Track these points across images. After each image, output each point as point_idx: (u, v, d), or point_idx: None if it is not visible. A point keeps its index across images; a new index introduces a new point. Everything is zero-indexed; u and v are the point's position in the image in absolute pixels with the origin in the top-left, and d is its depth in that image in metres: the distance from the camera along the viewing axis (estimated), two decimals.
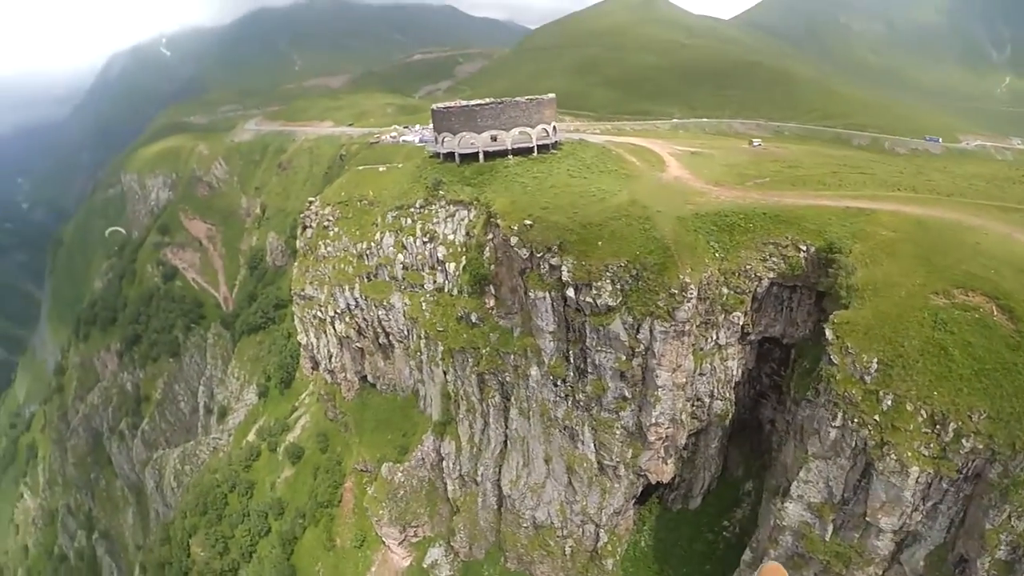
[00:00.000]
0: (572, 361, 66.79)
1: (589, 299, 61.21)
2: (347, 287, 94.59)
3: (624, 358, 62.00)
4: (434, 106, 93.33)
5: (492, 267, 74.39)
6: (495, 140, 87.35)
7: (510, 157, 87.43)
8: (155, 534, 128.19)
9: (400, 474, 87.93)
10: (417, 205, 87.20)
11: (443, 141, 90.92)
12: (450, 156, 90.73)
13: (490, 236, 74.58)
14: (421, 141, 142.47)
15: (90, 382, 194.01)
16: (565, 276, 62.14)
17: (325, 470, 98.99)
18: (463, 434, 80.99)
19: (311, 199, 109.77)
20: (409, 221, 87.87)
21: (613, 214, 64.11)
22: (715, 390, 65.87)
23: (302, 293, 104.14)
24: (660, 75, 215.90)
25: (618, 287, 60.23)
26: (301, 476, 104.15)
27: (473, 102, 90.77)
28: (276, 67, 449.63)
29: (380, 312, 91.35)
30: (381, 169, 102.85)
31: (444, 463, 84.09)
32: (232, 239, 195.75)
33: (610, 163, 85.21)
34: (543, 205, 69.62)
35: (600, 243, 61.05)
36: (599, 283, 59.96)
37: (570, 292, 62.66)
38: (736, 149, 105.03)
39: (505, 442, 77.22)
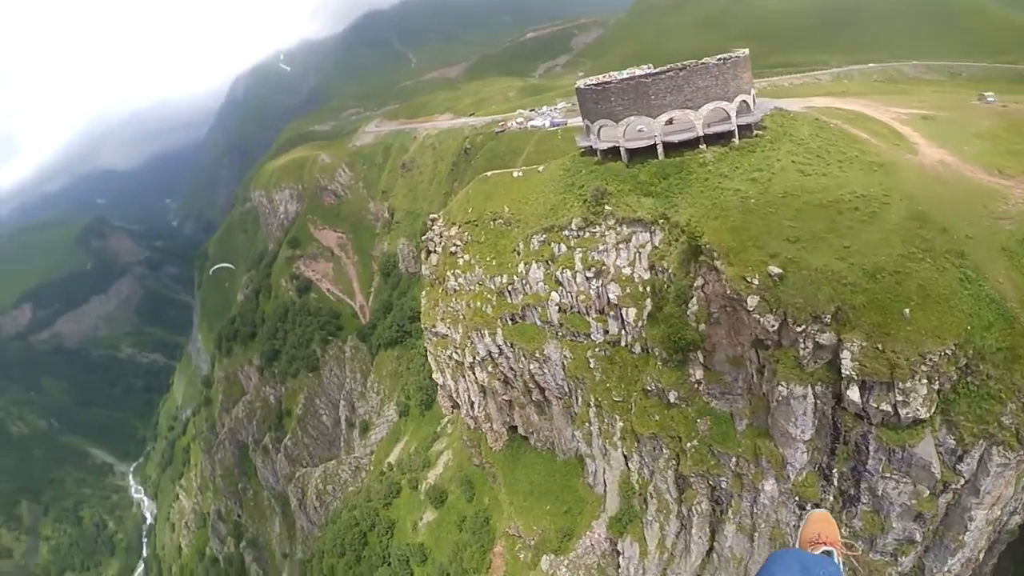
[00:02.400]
0: (834, 482, 48.11)
1: (886, 406, 41.08)
2: (487, 332, 78.11)
3: (927, 493, 42.84)
4: (580, 83, 70.27)
5: (702, 326, 53.29)
6: (672, 124, 63.52)
7: (703, 147, 62.53)
8: (296, 571, 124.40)
9: (564, 569, 73.32)
10: (573, 226, 67.81)
11: (599, 131, 67.52)
12: (612, 152, 67.70)
13: (698, 281, 53.38)
14: (552, 125, 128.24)
15: (235, 395, 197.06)
16: (847, 367, 41.72)
17: (471, 528, 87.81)
18: (651, 537, 63.72)
19: (432, 216, 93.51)
20: (563, 248, 69.11)
21: (903, 248, 43.19)
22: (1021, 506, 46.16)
23: (433, 330, 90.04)
24: (799, 20, 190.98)
25: (934, 388, 39.68)
26: (444, 524, 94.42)
27: (639, 72, 66.60)
28: (392, 66, 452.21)
29: (532, 365, 75.16)
30: (516, 175, 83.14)
31: (623, 566, 67.30)
32: (364, 246, 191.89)
33: (841, 144, 59.16)
34: (789, 234, 47.18)
35: (907, 310, 39.33)
36: (907, 383, 39.23)
37: (853, 392, 42.63)
38: (967, 107, 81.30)
39: (710, 552, 59.29)
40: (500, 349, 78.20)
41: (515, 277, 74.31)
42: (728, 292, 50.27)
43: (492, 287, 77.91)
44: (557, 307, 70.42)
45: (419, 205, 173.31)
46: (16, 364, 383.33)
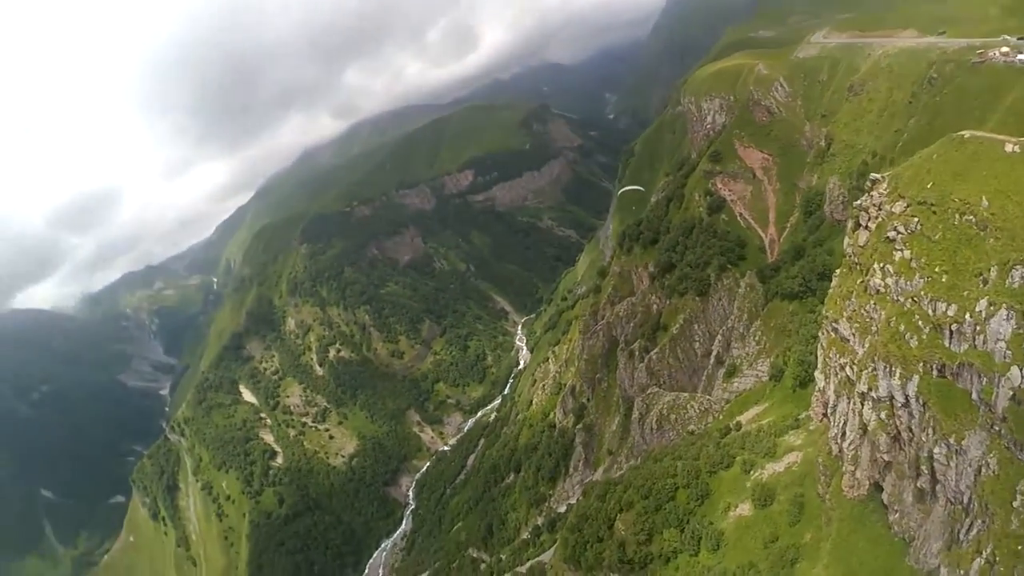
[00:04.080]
0: None
1: None
2: (899, 372, 55.48)
3: None
4: None
5: None
6: None
7: None
8: (597, 488, 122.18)
9: None
10: None
11: None
12: None
13: None
14: None
15: (623, 293, 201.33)
16: None
17: (774, 559, 71.84)
18: None
19: (874, 177, 67.58)
20: None
21: None
22: None
23: (834, 325, 70.13)
24: None
25: None
26: (754, 531, 78.99)
27: None
28: None
29: (938, 447, 51.92)
30: (1010, 149, 54.91)
31: None
32: (789, 173, 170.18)
33: None
34: None
35: None
36: None
37: None
38: None
39: None
40: (906, 401, 55.87)
41: (967, 315, 50.69)
42: None
43: (929, 313, 53.87)
44: (1012, 392, 46.22)
45: (862, 139, 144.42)
46: (453, 216, 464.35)
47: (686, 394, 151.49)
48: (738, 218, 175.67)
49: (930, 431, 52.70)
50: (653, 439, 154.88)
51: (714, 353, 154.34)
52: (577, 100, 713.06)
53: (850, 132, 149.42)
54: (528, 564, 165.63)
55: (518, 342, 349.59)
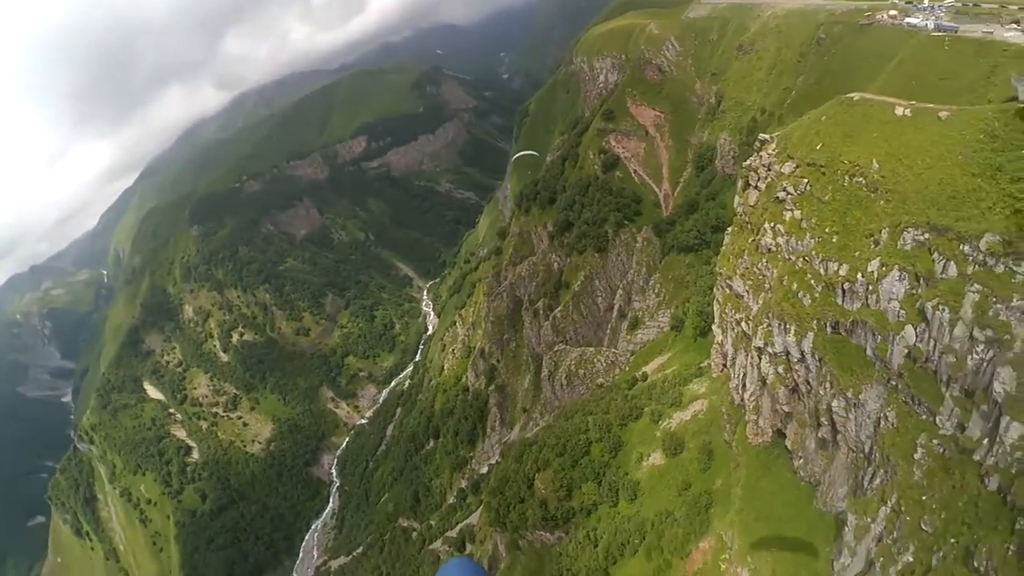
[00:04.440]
0: None
1: None
2: (793, 329, 58.20)
3: None
4: None
5: None
6: None
7: None
8: (514, 450, 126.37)
9: None
10: (983, 245, 42.67)
11: None
12: None
13: None
14: (938, 29, 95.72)
15: (524, 253, 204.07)
16: None
17: (689, 504, 77.30)
18: None
19: (763, 137, 69.72)
20: (952, 270, 44.65)
21: None
22: None
23: (728, 282, 73.57)
24: None
25: None
26: (667, 478, 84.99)
27: None
28: None
29: (836, 400, 55.42)
30: (900, 112, 56.15)
31: None
32: (681, 130, 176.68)
33: None
34: None
35: None
36: None
37: None
38: None
39: None
40: (802, 357, 59.02)
41: (859, 275, 52.16)
42: None
43: (820, 272, 56.41)
44: (907, 350, 48.00)
45: (752, 97, 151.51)
46: (348, 185, 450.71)
47: (592, 348, 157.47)
48: (632, 175, 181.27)
49: (828, 385, 55.98)
50: (564, 394, 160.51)
51: (616, 307, 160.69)
52: (472, 61, 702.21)
53: (740, 90, 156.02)
54: (458, 528, 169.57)
55: (425, 308, 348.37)
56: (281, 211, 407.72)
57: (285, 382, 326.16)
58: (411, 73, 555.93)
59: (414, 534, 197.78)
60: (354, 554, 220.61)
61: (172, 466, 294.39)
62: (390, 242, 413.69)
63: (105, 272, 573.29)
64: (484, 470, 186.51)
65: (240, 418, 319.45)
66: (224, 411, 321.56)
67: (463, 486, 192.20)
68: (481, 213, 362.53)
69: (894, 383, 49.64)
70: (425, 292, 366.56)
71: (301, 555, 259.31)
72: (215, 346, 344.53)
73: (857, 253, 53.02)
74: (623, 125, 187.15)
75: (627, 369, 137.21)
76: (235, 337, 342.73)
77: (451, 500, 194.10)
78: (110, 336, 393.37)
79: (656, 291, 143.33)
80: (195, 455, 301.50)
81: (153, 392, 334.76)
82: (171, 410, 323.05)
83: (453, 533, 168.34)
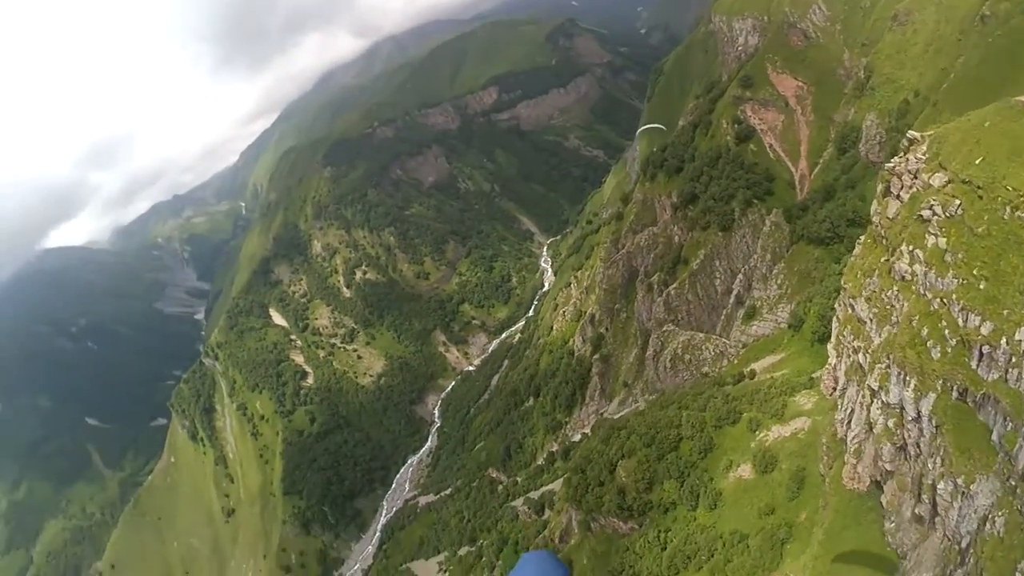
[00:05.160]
0: None
1: None
2: (914, 384, 47.98)
3: None
4: None
5: None
6: None
7: None
8: (602, 431, 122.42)
9: None
10: None
11: None
12: None
13: None
14: None
15: (645, 221, 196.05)
16: None
17: (767, 534, 69.87)
18: None
19: (912, 135, 57.23)
20: None
21: None
22: None
23: (851, 302, 63.16)
24: None
25: None
26: (751, 496, 77.52)
27: None
28: None
29: (945, 483, 45.86)
30: None
31: None
32: (824, 105, 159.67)
33: None
34: None
35: None
36: None
37: None
38: None
39: None
40: (918, 417, 49.01)
41: (1003, 340, 41.71)
42: None
43: (959, 323, 45.35)
44: None
45: (904, 75, 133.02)
46: (477, 136, 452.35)
47: (702, 335, 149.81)
48: (767, 150, 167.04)
49: (938, 460, 47.25)
50: (667, 377, 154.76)
51: (734, 292, 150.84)
52: (607, 15, 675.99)
53: (892, 65, 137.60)
54: (541, 490, 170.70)
55: (543, 264, 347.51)
56: (410, 157, 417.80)
57: (401, 322, 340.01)
58: (545, 25, 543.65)
59: (500, 487, 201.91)
60: (442, 494, 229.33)
61: (287, 388, 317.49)
62: (515, 195, 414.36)
63: (243, 204, 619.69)
64: (576, 438, 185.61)
65: (355, 351, 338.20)
66: (341, 343, 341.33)
67: (553, 449, 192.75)
68: (608, 173, 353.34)
69: (1013, 484, 40.66)
70: (545, 248, 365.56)
71: (394, 486, 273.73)
72: (339, 281, 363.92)
73: (1006, 312, 42.53)
74: (761, 94, 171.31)
75: (735, 362, 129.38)
76: (358, 275, 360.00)
77: (540, 461, 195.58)
78: (243, 263, 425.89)
79: (779, 282, 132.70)
80: (310, 380, 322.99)
81: (277, 319, 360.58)
82: (292, 337, 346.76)
83: (535, 495, 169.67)
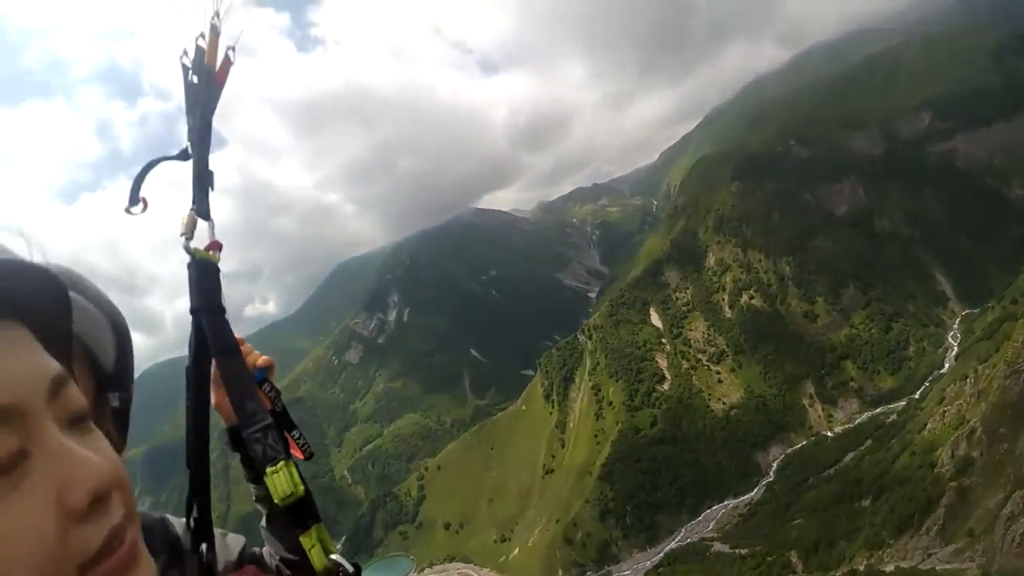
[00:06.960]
0: None
1: None
2: None
3: None
4: None
5: None
6: None
7: None
8: None
9: None
10: None
11: None
12: None
13: None
14: None
15: None
16: None
17: None
18: None
19: None
20: None
21: None
22: None
23: None
24: None
25: None
26: None
27: None
28: None
29: None
30: None
31: None
32: None
33: None
34: None
35: None
36: None
37: None
38: None
39: None
40: None
41: None
42: None
43: None
44: None
45: None
46: (902, 167, 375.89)
47: None
48: None
49: None
50: (1010, 552, 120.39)
51: None
52: None
53: None
54: None
55: (950, 339, 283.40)
56: (823, 183, 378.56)
57: (774, 359, 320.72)
58: (989, 37, 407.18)
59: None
60: (736, 551, 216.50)
61: (642, 386, 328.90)
62: (936, 246, 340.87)
63: (655, 203, 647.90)
64: (889, 568, 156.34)
65: (718, 373, 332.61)
66: (707, 360, 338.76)
67: (860, 568, 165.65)
68: None
69: None
70: (958, 321, 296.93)
71: (700, 519, 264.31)
72: (723, 299, 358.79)
73: None
74: None
75: None
76: (744, 297, 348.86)
77: (837, 573, 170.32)
78: (641, 258, 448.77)
79: None
80: (665, 386, 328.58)
81: (655, 319, 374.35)
82: (663, 340, 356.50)
83: None
